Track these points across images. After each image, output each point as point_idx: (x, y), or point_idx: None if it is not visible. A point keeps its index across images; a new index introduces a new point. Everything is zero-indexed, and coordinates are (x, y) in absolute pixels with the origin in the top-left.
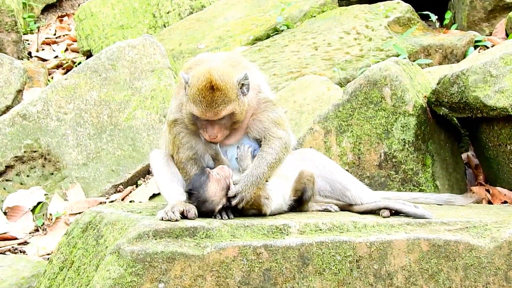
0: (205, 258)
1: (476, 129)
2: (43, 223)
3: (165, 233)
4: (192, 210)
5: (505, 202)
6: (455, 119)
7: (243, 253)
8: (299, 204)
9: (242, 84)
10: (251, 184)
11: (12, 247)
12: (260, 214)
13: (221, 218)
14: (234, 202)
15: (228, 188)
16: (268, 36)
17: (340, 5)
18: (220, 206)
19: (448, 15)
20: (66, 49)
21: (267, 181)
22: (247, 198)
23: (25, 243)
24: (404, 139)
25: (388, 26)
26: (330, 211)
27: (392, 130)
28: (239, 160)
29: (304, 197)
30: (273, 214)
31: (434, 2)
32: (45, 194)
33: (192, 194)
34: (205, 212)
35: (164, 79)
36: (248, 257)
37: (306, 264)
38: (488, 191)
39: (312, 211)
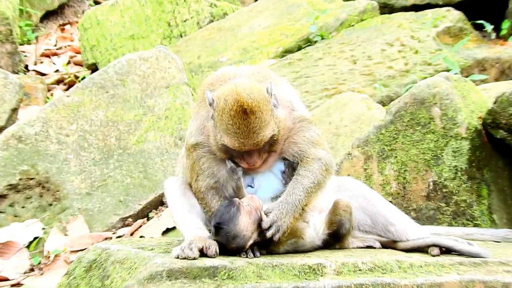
0: None
1: None
2: (40, 262)
3: (181, 273)
4: (213, 246)
5: None
6: None
7: None
8: (335, 239)
9: (271, 94)
10: (287, 213)
11: None
12: (295, 251)
13: (246, 256)
14: (269, 234)
15: (260, 220)
16: (299, 48)
17: (382, 13)
18: (251, 242)
19: (505, 25)
20: (69, 62)
21: (304, 209)
22: (283, 229)
23: (19, 284)
24: (456, 166)
25: (437, 37)
26: (373, 247)
27: (442, 155)
28: (286, 183)
29: (341, 231)
30: (305, 251)
31: (490, 10)
32: (42, 228)
33: (220, 229)
34: (234, 249)
35: (180, 96)
36: None
37: None
38: None
39: (352, 248)
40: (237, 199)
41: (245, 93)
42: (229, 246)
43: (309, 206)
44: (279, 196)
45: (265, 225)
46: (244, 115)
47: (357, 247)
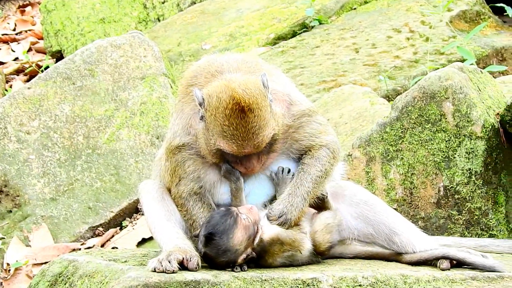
0: None
1: None
2: None
3: None
4: (194, 258)
5: None
6: None
7: None
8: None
9: (267, 88)
10: (296, 206)
11: None
12: (290, 264)
13: (232, 270)
14: (277, 223)
15: (255, 237)
16: (294, 34)
17: None
18: (243, 257)
19: None
20: (30, 49)
21: (312, 200)
22: (291, 222)
23: None
24: (470, 169)
25: (451, 22)
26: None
27: (454, 157)
28: (277, 185)
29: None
30: (302, 265)
31: None
32: (1, 238)
33: (211, 240)
34: (223, 263)
35: (157, 89)
36: None
37: None
38: None
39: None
40: (235, 209)
41: (240, 89)
42: (217, 260)
43: (317, 195)
44: (273, 201)
45: (273, 216)
46: (241, 114)
47: (362, 253)
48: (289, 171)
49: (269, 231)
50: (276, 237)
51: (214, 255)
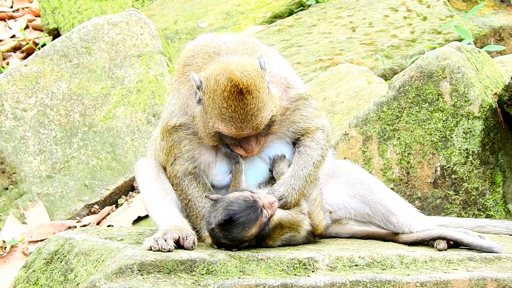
0: None
1: None
2: None
3: (155, 267)
4: (190, 237)
5: None
6: None
7: None
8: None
9: (265, 70)
10: (298, 189)
11: None
12: (288, 244)
13: (228, 249)
14: (278, 205)
15: (264, 229)
16: (290, 13)
17: None
18: (245, 245)
19: None
20: (27, 27)
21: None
22: (290, 204)
23: None
24: (467, 149)
25: (449, 1)
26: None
27: (451, 137)
28: (276, 172)
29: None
30: (299, 244)
31: None
32: None
33: (226, 224)
34: (225, 245)
35: (154, 67)
36: None
37: None
38: None
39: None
40: (261, 202)
41: (238, 71)
42: (220, 240)
43: (316, 178)
44: (267, 182)
45: (276, 195)
46: (240, 96)
47: (359, 233)
48: (284, 157)
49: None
50: (278, 222)
51: (222, 236)
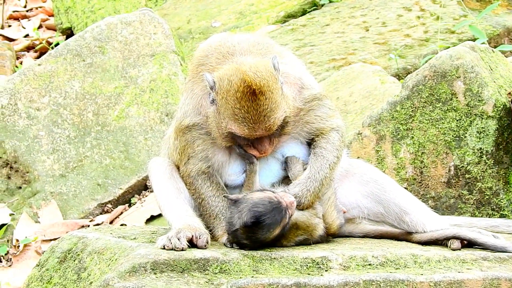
0: None
1: None
2: (8, 252)
3: (168, 266)
4: (204, 236)
5: None
6: None
7: None
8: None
9: (278, 71)
10: (313, 191)
11: None
12: (301, 244)
13: (241, 248)
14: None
15: (285, 228)
16: (304, 12)
17: None
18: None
19: None
20: (40, 26)
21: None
22: (303, 206)
23: None
24: (481, 148)
25: (462, 1)
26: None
27: (465, 136)
28: (292, 174)
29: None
30: (309, 244)
31: None
32: (10, 214)
33: (252, 227)
34: (243, 245)
35: (167, 66)
36: None
37: None
38: None
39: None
40: (284, 204)
41: (251, 72)
42: (241, 240)
43: (332, 180)
44: (281, 182)
45: (290, 194)
46: (252, 96)
47: (372, 232)
48: (297, 158)
49: None
50: (294, 222)
51: (245, 237)
